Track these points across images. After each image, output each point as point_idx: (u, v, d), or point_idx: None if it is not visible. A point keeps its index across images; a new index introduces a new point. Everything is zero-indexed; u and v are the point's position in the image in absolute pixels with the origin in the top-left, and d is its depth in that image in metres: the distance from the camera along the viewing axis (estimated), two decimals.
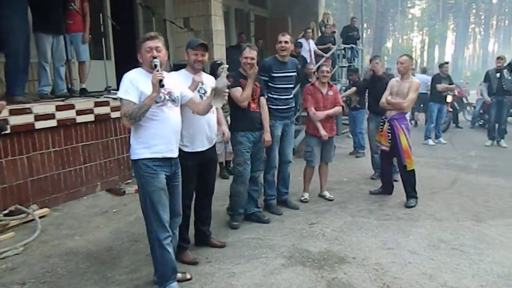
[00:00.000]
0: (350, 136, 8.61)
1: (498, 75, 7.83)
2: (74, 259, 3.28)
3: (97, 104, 4.74)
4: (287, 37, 4.16)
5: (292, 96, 4.38)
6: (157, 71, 2.45)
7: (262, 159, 4.09)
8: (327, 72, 4.66)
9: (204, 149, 3.16)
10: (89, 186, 4.73)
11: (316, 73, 5.58)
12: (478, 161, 6.79)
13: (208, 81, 3.21)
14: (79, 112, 4.54)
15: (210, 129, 3.19)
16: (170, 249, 2.62)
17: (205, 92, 3.13)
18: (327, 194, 4.88)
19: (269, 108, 4.21)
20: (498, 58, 8.19)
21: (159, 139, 2.56)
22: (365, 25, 34.98)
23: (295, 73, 4.33)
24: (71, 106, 4.48)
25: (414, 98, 4.60)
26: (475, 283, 2.81)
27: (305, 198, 4.75)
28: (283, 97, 4.23)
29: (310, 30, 9.42)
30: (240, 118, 3.81)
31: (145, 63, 2.59)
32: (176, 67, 5.42)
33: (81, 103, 4.60)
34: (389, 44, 39.83)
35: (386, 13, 30.67)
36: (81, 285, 2.88)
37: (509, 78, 7.76)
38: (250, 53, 3.70)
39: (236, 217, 4.02)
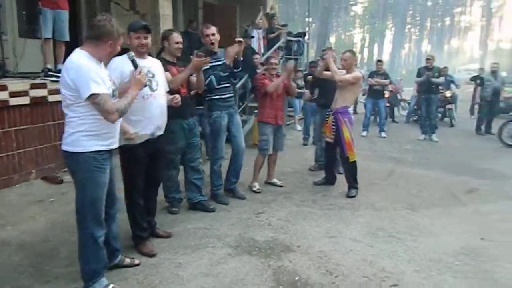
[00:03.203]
0: (299, 128, 8.81)
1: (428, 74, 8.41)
2: (6, 251, 3.07)
3: (33, 86, 4.40)
4: (212, 29, 4.14)
5: (230, 84, 4.33)
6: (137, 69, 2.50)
7: (199, 146, 4.07)
8: (276, 64, 4.74)
9: (154, 137, 3.07)
10: (22, 174, 4.40)
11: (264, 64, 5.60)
12: (412, 154, 7.25)
13: (155, 65, 3.12)
14: (13, 94, 4.19)
15: (162, 116, 3.10)
16: (102, 245, 2.54)
17: (154, 75, 3.03)
18: (277, 181, 5.03)
19: (211, 99, 4.20)
20: (428, 58, 8.82)
21: (111, 130, 2.45)
22: (310, 19, 35.82)
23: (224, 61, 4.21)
24: (4, 87, 4.12)
25: (348, 79, 4.66)
26: (410, 268, 3.01)
27: (258, 189, 4.79)
28: (222, 85, 4.19)
29: (261, 20, 9.43)
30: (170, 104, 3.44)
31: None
32: (120, 52, 5.16)
33: (15, 85, 4.25)
34: (332, 39, 41.04)
35: (331, 9, 31.50)
36: (14, 278, 2.70)
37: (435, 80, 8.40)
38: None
39: (175, 203, 4.03)
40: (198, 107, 4.61)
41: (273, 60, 4.84)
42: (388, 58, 43.20)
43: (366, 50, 43.41)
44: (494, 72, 9.71)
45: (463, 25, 50.04)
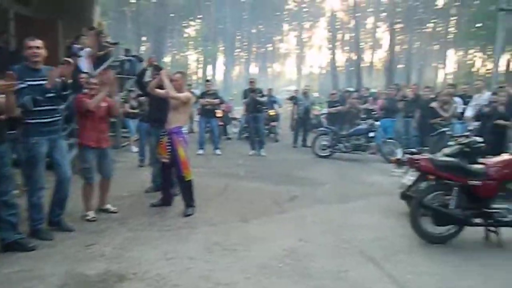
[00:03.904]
0: (135, 149, 8.49)
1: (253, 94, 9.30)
2: None
3: None
4: (38, 42, 3.79)
5: (54, 107, 3.96)
6: None
7: (11, 177, 3.62)
8: (95, 84, 4.55)
9: None
10: None
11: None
12: (244, 168, 7.81)
13: None
14: None
15: None
16: None
17: None
18: (110, 207, 4.78)
19: (28, 123, 3.77)
20: (251, 80, 9.83)
21: None
22: (144, 38, 35.28)
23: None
24: None
25: (181, 96, 4.78)
26: (242, 277, 3.23)
27: (93, 217, 4.46)
28: (44, 108, 3.80)
29: (85, 37, 8.85)
30: None
31: None
32: None
33: None
34: (168, 59, 41.30)
35: (165, 29, 31.72)
36: None
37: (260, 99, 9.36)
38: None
39: None
40: (11, 132, 4.06)
41: (92, 80, 4.63)
42: (222, 79, 45.74)
43: (200, 71, 45.05)
44: (305, 93, 11.35)
45: (282, 51, 56.79)
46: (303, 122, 10.99)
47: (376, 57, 45.62)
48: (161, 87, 4.91)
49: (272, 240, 4.07)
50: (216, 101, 9.53)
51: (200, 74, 44.09)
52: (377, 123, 9.10)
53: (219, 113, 10.21)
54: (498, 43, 11.94)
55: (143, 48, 32.82)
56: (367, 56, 44.52)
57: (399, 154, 7.75)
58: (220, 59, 47.70)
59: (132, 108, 9.04)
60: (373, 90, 14.55)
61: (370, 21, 44.92)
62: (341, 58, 43.35)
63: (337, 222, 4.72)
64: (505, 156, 4.29)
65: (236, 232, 4.28)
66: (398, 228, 4.49)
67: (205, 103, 9.31)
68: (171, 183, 5.16)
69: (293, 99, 11.63)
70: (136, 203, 5.18)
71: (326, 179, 7.03)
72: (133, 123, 9.10)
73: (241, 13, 41.47)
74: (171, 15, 34.07)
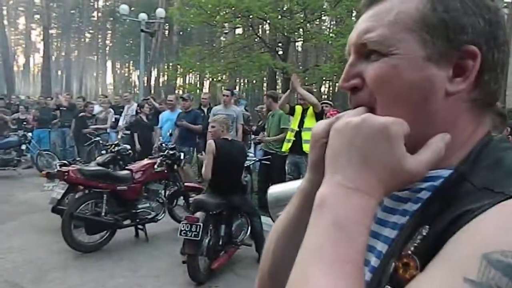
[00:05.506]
0: None
1: None
2: None
3: None
4: None
5: None
6: None
7: None
8: None
9: None
10: None
11: None
12: None
13: None
14: None
15: None
16: None
17: None
18: None
19: None
20: None
21: None
22: None
23: None
24: None
25: None
26: None
27: None
28: None
29: None
30: None
31: None
32: None
33: None
34: None
35: None
36: None
37: None
38: None
39: None
40: None
41: None
42: None
43: None
44: None
45: None
46: None
47: (33, 62, 41.87)
48: None
49: None
50: None
51: None
52: (30, 134, 8.35)
53: None
54: (141, 59, 13.40)
55: None
56: (22, 59, 40.15)
57: (56, 166, 7.40)
58: None
59: None
60: (22, 97, 13.24)
61: (22, 21, 40.68)
62: None
63: None
64: (146, 161, 4.89)
65: None
66: (54, 244, 4.27)
67: None
68: None
69: None
70: None
71: None
72: None
73: None
74: None
